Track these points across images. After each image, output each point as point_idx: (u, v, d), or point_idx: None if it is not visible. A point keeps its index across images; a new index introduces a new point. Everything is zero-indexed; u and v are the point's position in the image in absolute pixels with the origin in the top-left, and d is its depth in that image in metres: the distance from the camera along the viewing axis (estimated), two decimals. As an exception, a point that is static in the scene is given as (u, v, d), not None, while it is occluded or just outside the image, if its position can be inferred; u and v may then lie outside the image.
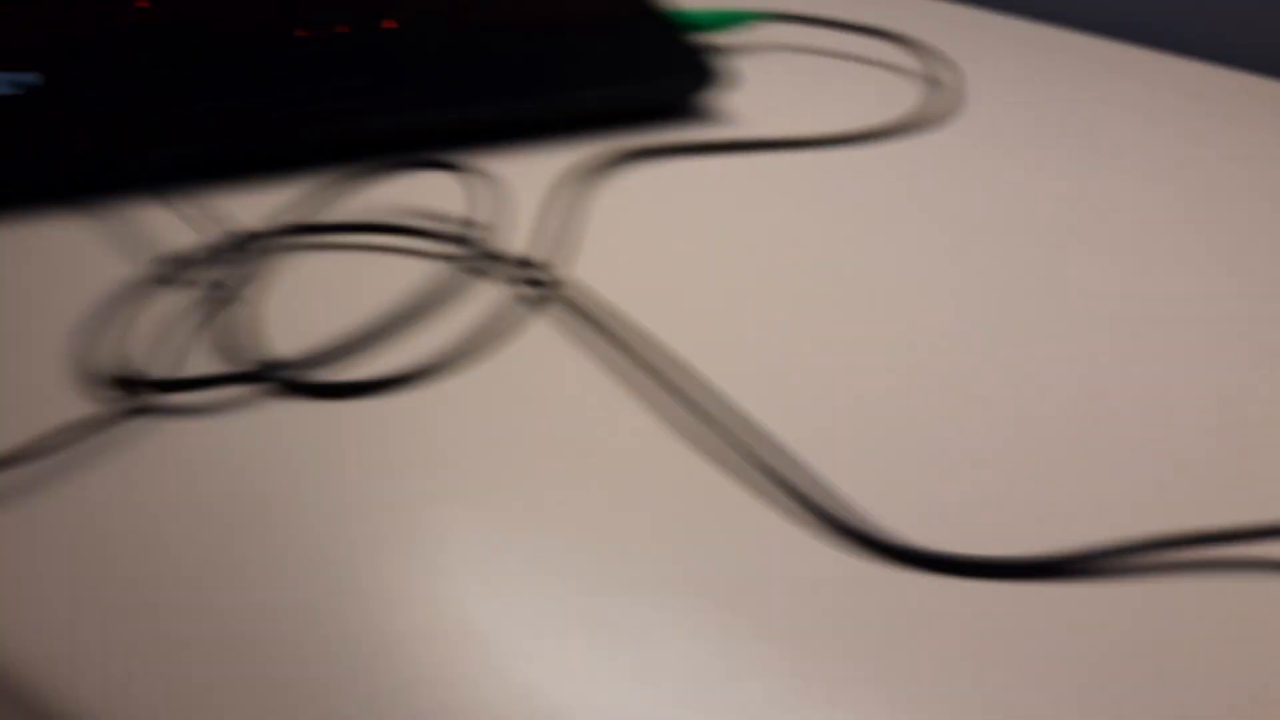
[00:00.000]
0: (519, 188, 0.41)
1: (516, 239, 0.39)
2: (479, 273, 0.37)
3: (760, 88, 0.50)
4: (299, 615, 0.25)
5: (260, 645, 0.24)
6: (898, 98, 0.50)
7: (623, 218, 0.40)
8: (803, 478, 0.29)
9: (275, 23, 0.45)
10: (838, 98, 0.50)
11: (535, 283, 0.36)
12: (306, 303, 0.35)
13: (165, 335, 0.33)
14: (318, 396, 0.31)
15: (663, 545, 0.27)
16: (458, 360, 0.33)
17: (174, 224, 0.38)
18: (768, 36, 0.55)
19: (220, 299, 0.34)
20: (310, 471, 0.29)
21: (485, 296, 0.36)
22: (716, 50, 0.49)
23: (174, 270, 0.36)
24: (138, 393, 0.31)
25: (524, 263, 0.37)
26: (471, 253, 0.37)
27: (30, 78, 0.40)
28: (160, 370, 0.32)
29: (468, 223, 0.39)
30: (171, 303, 0.35)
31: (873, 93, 0.50)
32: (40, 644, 0.24)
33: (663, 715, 0.23)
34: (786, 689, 0.24)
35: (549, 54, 0.45)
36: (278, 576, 0.26)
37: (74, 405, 0.31)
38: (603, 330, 0.34)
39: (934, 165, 0.45)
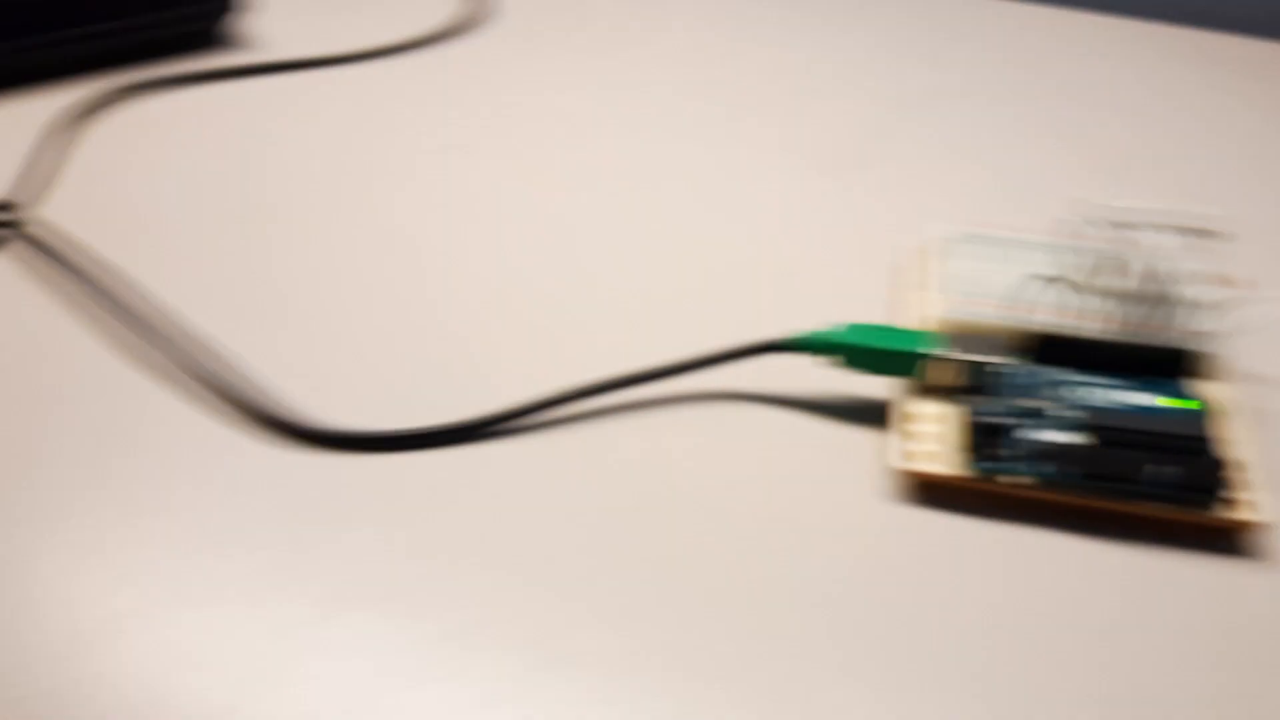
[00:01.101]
0: (6, 130, 0.39)
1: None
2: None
3: (288, 11, 0.49)
4: None
5: None
6: (432, 7, 0.50)
7: (115, 154, 0.38)
8: (234, 376, 0.29)
9: None
10: (370, 15, 0.49)
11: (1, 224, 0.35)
12: None
13: None
14: None
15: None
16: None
17: None
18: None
19: None
20: None
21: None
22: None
23: None
24: None
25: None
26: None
27: None
28: None
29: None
30: None
31: (405, 6, 0.50)
32: None
33: None
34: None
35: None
36: None
37: None
38: (60, 264, 0.33)
39: (464, 73, 0.45)
